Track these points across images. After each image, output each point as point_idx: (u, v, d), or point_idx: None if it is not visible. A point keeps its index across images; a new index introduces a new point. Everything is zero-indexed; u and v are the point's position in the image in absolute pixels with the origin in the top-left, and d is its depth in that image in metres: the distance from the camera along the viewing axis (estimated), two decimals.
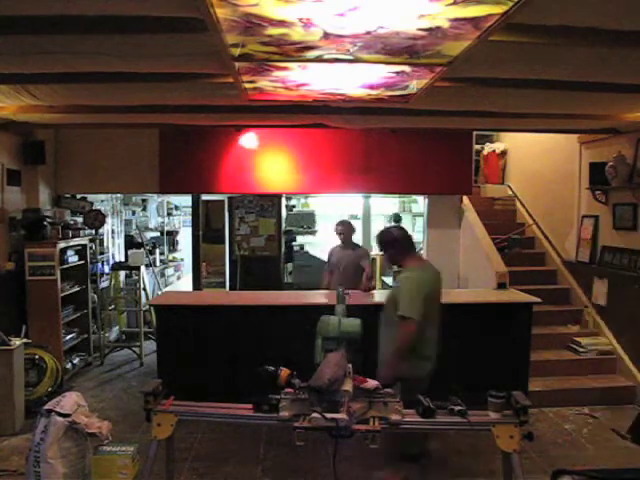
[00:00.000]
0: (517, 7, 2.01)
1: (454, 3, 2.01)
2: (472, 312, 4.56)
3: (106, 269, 6.71)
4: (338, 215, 8.94)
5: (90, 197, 6.22)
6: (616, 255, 5.17)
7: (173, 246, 9.67)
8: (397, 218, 8.48)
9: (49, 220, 5.29)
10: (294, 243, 7.78)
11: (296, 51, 2.63)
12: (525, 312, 4.59)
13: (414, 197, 8.81)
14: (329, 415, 2.28)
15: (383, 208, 9.09)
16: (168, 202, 9.58)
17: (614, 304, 5.22)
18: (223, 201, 7.60)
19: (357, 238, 7.83)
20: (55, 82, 3.40)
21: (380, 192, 6.70)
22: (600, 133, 5.27)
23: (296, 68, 2.96)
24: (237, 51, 2.62)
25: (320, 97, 3.73)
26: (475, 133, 6.26)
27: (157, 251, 8.46)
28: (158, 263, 8.41)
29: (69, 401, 3.24)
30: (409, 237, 3.38)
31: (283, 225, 7.42)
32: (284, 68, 2.97)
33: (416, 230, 9.16)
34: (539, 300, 4.63)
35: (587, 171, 5.56)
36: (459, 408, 2.52)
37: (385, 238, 3.38)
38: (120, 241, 7.53)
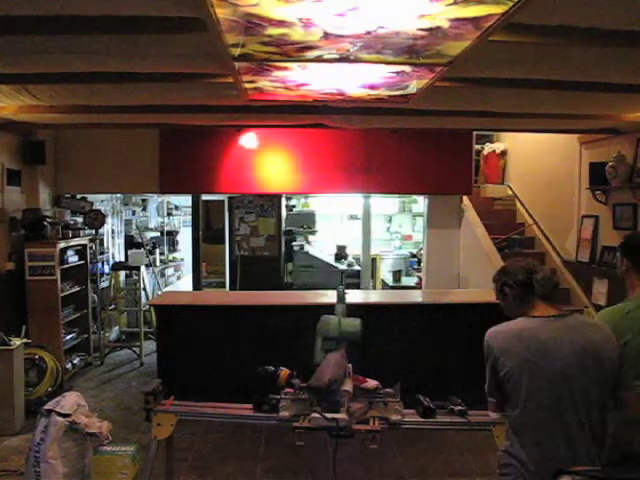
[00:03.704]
0: (517, 7, 2.01)
1: (454, 3, 2.00)
2: (472, 312, 4.56)
3: (106, 269, 6.71)
4: (338, 215, 9.04)
5: (90, 197, 6.21)
6: (616, 255, 5.16)
7: (173, 246, 9.67)
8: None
9: (49, 220, 5.29)
10: (294, 243, 7.76)
11: (296, 51, 2.63)
12: None
13: (414, 197, 8.81)
14: (329, 415, 2.28)
15: (383, 208, 9.10)
16: (168, 202, 9.58)
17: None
18: (223, 201, 7.60)
19: (357, 238, 7.88)
20: (55, 82, 3.39)
21: (380, 192, 6.70)
22: (600, 133, 5.26)
23: (296, 68, 2.96)
24: (237, 51, 2.62)
25: (320, 97, 3.73)
26: (475, 133, 6.25)
27: (157, 251, 8.46)
28: (158, 263, 8.41)
29: (69, 401, 3.24)
30: None
31: (283, 225, 7.41)
32: (284, 68, 2.97)
33: (416, 230, 9.19)
34: None
35: (587, 171, 5.54)
36: (459, 408, 2.53)
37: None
38: (120, 241, 7.52)
